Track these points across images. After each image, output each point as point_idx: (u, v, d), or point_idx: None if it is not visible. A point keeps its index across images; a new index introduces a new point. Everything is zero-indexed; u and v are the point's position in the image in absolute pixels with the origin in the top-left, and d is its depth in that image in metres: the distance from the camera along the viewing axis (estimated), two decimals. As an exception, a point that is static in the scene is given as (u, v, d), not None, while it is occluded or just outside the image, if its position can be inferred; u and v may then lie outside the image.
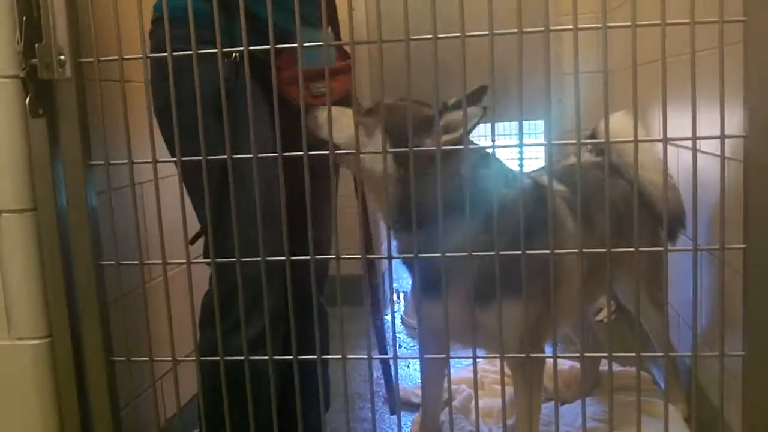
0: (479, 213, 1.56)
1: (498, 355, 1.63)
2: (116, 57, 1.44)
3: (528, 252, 1.39)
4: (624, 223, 1.89)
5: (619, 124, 1.89)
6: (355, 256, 1.53)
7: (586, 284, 1.87)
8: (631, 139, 1.42)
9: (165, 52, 1.41)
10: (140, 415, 1.67)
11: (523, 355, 1.62)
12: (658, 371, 2.68)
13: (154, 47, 1.69)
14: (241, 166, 1.47)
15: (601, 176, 1.92)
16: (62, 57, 1.47)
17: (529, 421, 1.92)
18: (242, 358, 1.48)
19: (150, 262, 1.56)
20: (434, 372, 2.11)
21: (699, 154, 1.39)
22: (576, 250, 1.43)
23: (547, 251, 1.40)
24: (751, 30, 1.33)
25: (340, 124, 1.68)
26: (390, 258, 1.54)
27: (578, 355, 1.50)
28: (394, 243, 1.77)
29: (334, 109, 1.51)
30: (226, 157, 1.42)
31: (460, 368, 2.81)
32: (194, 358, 1.56)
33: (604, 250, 1.40)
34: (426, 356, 1.97)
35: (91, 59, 1.47)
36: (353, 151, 1.49)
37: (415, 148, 1.40)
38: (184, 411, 1.74)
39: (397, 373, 1.64)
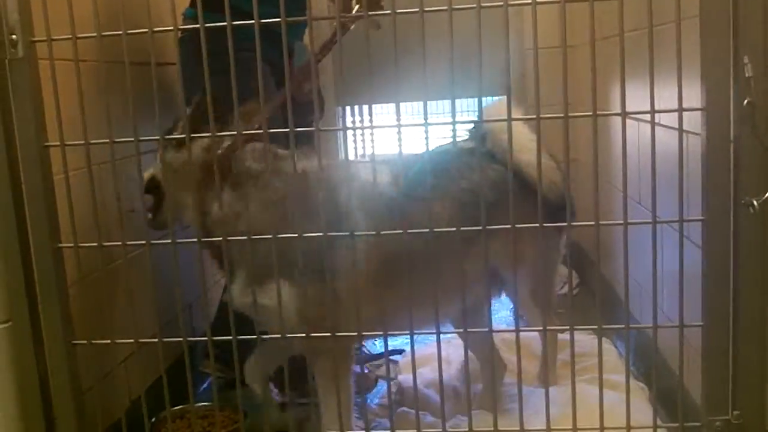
0: None
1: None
2: (70, 36, 1.41)
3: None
4: (496, 213, 1.64)
5: (496, 110, 1.83)
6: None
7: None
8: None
9: None
10: (105, 397, 1.65)
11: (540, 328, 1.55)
12: (621, 343, 2.71)
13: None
14: None
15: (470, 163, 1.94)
16: (14, 36, 1.44)
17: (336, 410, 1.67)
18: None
19: (109, 243, 1.54)
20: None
21: (659, 128, 1.40)
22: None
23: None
24: (707, 3, 1.34)
25: None
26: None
27: (541, 328, 1.51)
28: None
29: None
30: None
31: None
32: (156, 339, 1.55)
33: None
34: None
35: (44, 39, 1.44)
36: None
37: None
38: (149, 393, 1.72)
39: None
